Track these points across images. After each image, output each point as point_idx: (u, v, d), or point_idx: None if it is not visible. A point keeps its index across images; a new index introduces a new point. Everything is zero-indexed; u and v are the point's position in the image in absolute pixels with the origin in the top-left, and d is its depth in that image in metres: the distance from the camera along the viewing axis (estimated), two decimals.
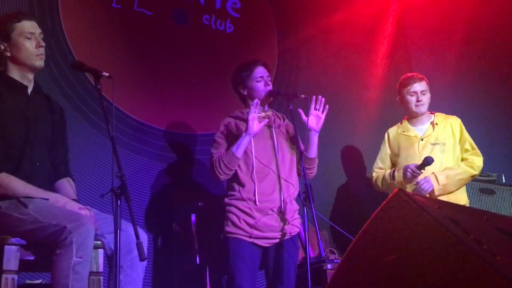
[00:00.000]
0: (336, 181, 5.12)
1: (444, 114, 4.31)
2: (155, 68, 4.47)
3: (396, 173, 4.14)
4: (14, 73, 2.90)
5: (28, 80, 2.93)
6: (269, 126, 3.58)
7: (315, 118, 3.51)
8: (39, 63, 2.90)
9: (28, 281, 3.26)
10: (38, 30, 2.92)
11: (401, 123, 4.38)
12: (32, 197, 2.69)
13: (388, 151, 4.35)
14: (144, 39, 4.46)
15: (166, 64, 4.52)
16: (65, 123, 3.14)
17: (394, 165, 4.31)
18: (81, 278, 2.54)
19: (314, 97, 3.51)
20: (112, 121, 2.70)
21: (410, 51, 5.77)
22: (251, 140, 3.48)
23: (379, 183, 4.29)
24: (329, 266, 3.89)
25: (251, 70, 3.63)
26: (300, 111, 3.48)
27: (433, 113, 4.32)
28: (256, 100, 3.47)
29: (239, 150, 3.43)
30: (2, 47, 2.86)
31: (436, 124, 4.24)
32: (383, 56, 5.61)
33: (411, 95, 4.22)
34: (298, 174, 3.63)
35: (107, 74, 2.76)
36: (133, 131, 4.22)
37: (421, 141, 4.20)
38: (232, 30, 4.91)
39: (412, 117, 4.30)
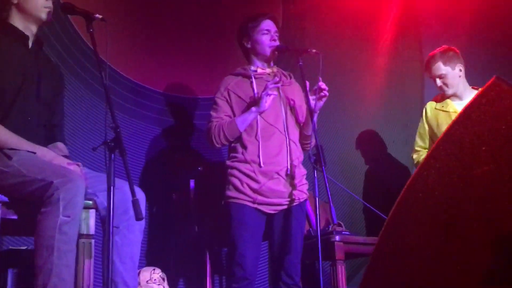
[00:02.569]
0: (344, 147, 4.87)
1: None
2: (152, 26, 4.19)
3: None
4: (17, 22, 2.71)
5: (30, 32, 2.73)
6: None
7: (315, 100, 3.19)
8: (45, 16, 2.71)
9: (11, 247, 3.01)
10: None
11: (441, 98, 4.00)
12: (17, 149, 2.46)
13: (426, 127, 4.00)
14: None
15: (165, 22, 4.24)
16: (63, 87, 2.96)
17: (433, 143, 4.02)
18: (68, 239, 2.29)
19: (320, 83, 3.16)
20: (106, 68, 2.45)
21: (419, 18, 5.50)
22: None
23: None
24: (337, 237, 3.65)
25: (258, 22, 3.35)
26: (307, 83, 3.18)
27: (477, 88, 3.97)
28: (276, 78, 3.21)
29: (244, 125, 3.17)
30: None
31: None
32: (392, 22, 5.34)
33: (434, 80, 3.90)
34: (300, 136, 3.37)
35: (100, 16, 2.54)
36: (129, 93, 3.96)
37: None
38: None
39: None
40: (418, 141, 4.05)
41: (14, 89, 2.59)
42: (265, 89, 3.15)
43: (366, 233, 3.92)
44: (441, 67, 3.84)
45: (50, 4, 2.70)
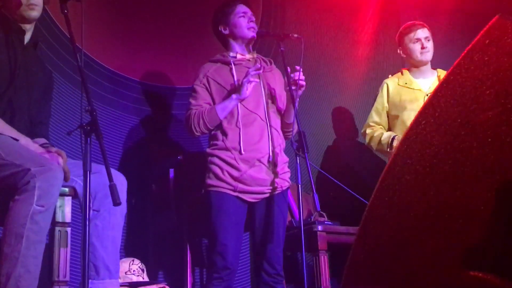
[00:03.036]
0: (324, 135, 4.82)
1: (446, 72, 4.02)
2: (129, 13, 4.08)
3: (395, 142, 3.74)
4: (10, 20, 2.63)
5: (25, 28, 2.66)
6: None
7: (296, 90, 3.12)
8: (29, 13, 2.61)
9: None
10: None
11: (401, 74, 4.00)
12: (0, 133, 2.38)
13: (386, 104, 3.96)
14: None
15: (142, 8, 4.13)
16: (52, 89, 2.90)
17: (391, 120, 3.96)
18: (39, 229, 2.21)
19: (293, 75, 3.09)
20: (81, 50, 2.38)
21: (400, 9, 5.47)
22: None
23: (373, 145, 3.91)
24: (319, 227, 3.60)
25: (234, 6, 3.29)
26: (288, 69, 3.10)
27: (435, 69, 4.02)
28: (258, 65, 3.14)
29: (224, 112, 3.10)
30: None
31: None
32: (373, 13, 5.31)
33: (414, 43, 3.90)
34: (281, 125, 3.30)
35: None
36: (105, 81, 3.86)
37: (426, 96, 3.87)
38: None
39: (415, 67, 3.96)
40: (374, 116, 3.97)
41: (5, 81, 2.52)
42: (246, 75, 3.08)
43: (348, 223, 3.87)
44: (428, 32, 3.94)
45: (35, 1, 2.60)
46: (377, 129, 3.93)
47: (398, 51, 4.04)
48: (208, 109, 3.13)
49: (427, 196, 0.75)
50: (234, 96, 3.11)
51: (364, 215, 0.82)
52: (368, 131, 3.96)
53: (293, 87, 3.08)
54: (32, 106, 2.66)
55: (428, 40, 3.91)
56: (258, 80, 3.16)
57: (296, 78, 3.07)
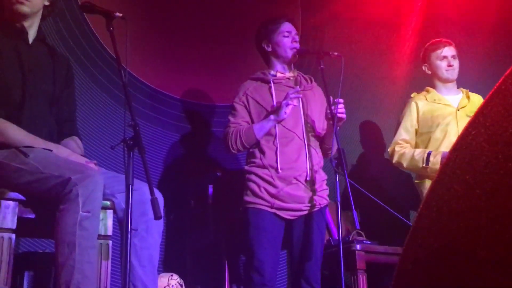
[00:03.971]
0: (364, 157, 4.77)
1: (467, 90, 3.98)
2: (171, 31, 4.15)
3: (432, 158, 3.66)
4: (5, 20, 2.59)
5: (26, 26, 2.61)
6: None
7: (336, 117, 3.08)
8: (17, 8, 2.53)
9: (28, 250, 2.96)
10: None
11: (427, 92, 3.96)
12: (33, 147, 2.39)
13: (415, 123, 3.89)
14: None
15: (183, 27, 4.20)
16: (72, 78, 2.82)
17: (419, 138, 3.89)
18: (89, 235, 2.22)
19: (341, 103, 3.05)
20: (126, 66, 2.41)
21: (440, 27, 5.42)
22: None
23: (404, 162, 3.80)
24: (358, 246, 3.56)
25: (279, 24, 3.30)
26: (331, 98, 3.05)
27: (459, 88, 4.00)
28: (298, 88, 3.14)
29: (261, 132, 3.11)
30: None
31: (468, 96, 3.92)
32: (412, 32, 5.27)
33: (441, 60, 3.89)
34: (321, 147, 3.29)
35: (120, 15, 2.48)
36: (147, 98, 3.92)
37: (457, 111, 3.83)
38: None
39: (440, 84, 3.93)
40: (403, 133, 3.88)
41: (18, 89, 2.50)
42: (285, 98, 3.09)
43: (387, 243, 3.82)
44: (455, 50, 3.94)
45: None
46: (406, 147, 3.87)
47: (423, 68, 4.01)
48: (246, 128, 3.14)
49: (477, 206, 0.74)
50: (272, 117, 3.12)
51: (412, 225, 0.82)
52: (397, 148, 3.87)
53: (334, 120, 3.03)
54: (52, 106, 2.64)
55: (455, 58, 3.90)
56: (297, 104, 3.16)
57: (336, 111, 3.04)
